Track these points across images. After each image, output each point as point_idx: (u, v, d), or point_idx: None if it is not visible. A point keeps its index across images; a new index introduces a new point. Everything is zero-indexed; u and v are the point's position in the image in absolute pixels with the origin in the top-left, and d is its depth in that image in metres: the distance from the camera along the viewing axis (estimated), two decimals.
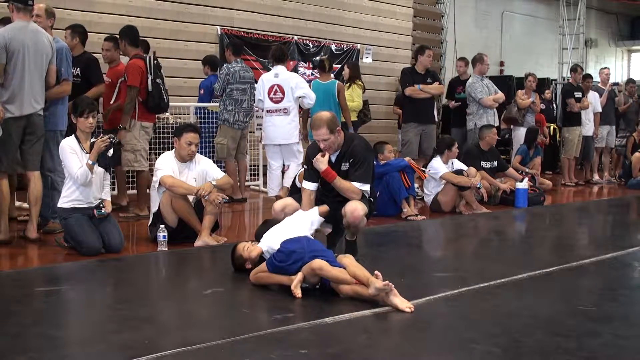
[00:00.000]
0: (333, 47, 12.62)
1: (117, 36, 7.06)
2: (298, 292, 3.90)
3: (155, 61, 6.76)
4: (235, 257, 4.50)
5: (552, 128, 12.15)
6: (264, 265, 4.22)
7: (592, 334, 3.40)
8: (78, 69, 6.50)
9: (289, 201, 5.16)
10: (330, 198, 4.96)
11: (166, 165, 5.52)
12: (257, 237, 4.68)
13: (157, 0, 10.33)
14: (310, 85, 8.39)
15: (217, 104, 8.75)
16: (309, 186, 4.98)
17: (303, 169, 5.34)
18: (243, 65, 8.21)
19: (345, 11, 12.91)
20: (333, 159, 4.91)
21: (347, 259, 4.07)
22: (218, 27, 11.02)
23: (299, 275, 3.96)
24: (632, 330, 3.57)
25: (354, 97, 9.10)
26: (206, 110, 8.87)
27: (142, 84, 6.63)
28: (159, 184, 5.48)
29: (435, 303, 3.94)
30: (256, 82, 7.94)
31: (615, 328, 3.52)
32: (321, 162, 4.83)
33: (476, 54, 9.60)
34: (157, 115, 7.21)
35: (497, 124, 9.47)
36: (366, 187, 4.88)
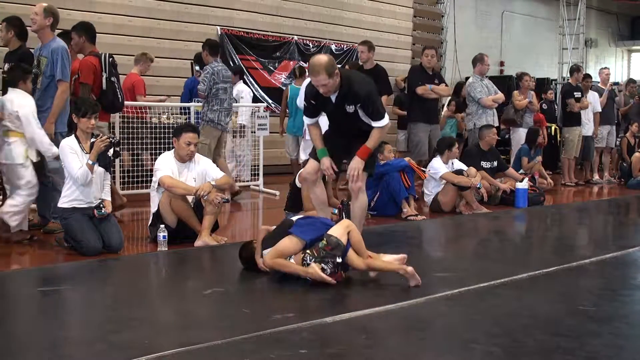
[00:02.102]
0: (333, 47, 12.62)
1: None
2: (329, 278, 4.04)
3: (110, 59, 6.67)
4: (247, 246, 4.55)
5: (553, 128, 12.15)
6: (286, 243, 4.23)
7: (592, 334, 3.40)
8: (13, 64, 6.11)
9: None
10: (339, 135, 5.18)
11: (165, 165, 5.52)
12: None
13: (157, 0, 10.34)
14: (287, 89, 9.44)
15: (196, 103, 8.74)
16: (309, 121, 5.20)
17: (302, 170, 5.42)
18: (223, 64, 8.13)
19: (345, 11, 12.92)
20: (333, 98, 4.96)
21: (340, 230, 4.22)
22: (218, 27, 11.03)
23: (314, 266, 4.05)
24: (632, 330, 3.58)
25: None
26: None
27: (96, 82, 6.46)
28: (158, 184, 5.48)
29: (435, 303, 3.94)
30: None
31: (615, 328, 3.53)
32: (358, 166, 4.99)
33: (477, 54, 9.53)
34: (112, 114, 7.01)
35: (496, 124, 9.45)
36: (386, 118, 5.01)
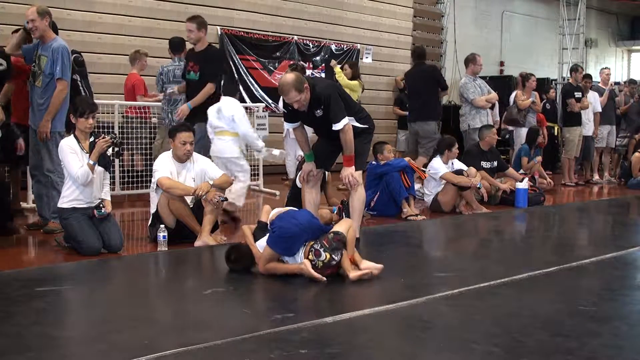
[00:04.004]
0: (333, 47, 12.63)
1: None
2: (318, 275, 4.15)
3: (72, 56, 6.54)
4: (236, 247, 4.60)
5: (555, 128, 12.13)
6: (267, 252, 4.32)
7: (592, 334, 3.40)
8: None
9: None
10: (323, 138, 5.48)
11: (163, 166, 5.50)
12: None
13: (157, 0, 10.34)
14: None
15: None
16: (290, 126, 5.43)
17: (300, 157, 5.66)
18: (180, 63, 7.72)
19: (345, 11, 12.93)
20: (306, 109, 5.16)
21: (345, 226, 4.40)
22: (218, 27, 11.02)
23: (306, 262, 4.18)
24: (632, 330, 3.57)
25: (352, 87, 9.20)
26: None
27: None
28: (157, 185, 5.48)
29: (435, 303, 3.94)
30: None
31: (615, 328, 3.53)
32: (350, 172, 5.21)
33: (469, 55, 9.48)
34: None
35: (491, 124, 9.39)
36: (344, 121, 5.12)
